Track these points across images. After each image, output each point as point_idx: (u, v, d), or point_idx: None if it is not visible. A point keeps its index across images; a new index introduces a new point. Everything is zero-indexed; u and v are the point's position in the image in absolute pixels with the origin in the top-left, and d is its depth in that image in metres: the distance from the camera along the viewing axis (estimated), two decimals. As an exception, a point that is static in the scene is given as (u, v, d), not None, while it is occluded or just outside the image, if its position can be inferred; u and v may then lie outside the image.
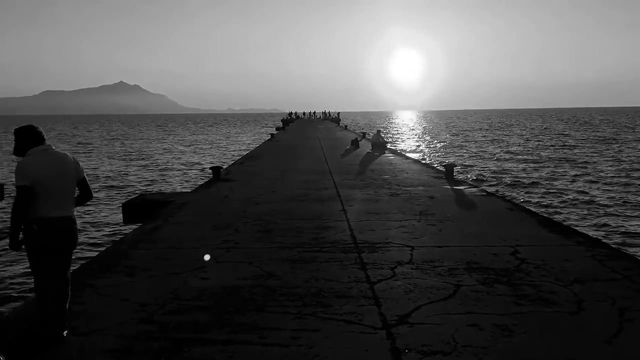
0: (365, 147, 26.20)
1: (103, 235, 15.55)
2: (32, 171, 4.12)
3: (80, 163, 4.54)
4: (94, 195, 4.91)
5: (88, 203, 4.58)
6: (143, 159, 43.32)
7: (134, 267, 6.27)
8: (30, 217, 4.14)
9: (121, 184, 28.08)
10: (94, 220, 17.62)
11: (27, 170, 4.11)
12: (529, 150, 43.85)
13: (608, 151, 41.50)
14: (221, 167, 15.97)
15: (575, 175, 27.69)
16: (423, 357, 3.91)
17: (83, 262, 7.58)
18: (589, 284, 5.45)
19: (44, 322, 4.24)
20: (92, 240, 14.87)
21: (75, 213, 4.46)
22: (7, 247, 4.28)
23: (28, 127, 4.33)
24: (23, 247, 4.22)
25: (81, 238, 13.43)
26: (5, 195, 3.49)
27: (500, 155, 39.94)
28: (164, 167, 37.11)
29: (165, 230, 8.39)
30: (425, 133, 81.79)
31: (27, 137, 4.30)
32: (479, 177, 27.58)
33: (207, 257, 6.70)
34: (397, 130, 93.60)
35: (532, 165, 33.18)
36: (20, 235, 4.19)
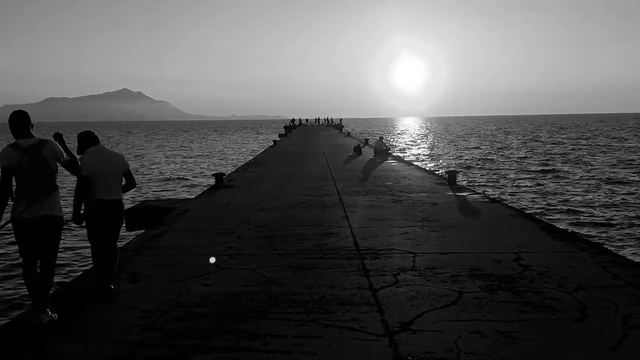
0: (368, 153, 26.20)
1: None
2: (89, 165, 5.37)
3: (125, 158, 5.78)
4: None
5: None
6: (146, 166, 43.43)
7: (137, 274, 6.28)
8: (90, 200, 5.40)
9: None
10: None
11: (85, 164, 5.37)
12: (532, 157, 43.81)
13: (612, 157, 41.43)
14: (224, 174, 15.99)
15: (579, 182, 27.64)
16: (426, 364, 3.90)
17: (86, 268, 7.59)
18: (593, 291, 5.43)
19: (98, 281, 5.43)
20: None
21: (123, 197, 5.66)
22: (73, 222, 5.42)
23: (86, 132, 5.65)
24: (84, 223, 5.45)
25: (84, 244, 13.47)
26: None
27: (503, 162, 39.91)
28: (167, 173, 37.20)
29: (168, 236, 8.40)
30: (428, 139, 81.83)
31: (85, 139, 5.59)
32: (482, 184, 27.55)
33: (212, 260, 6.74)
34: (400, 137, 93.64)
35: (535, 171, 33.14)
36: (82, 212, 5.41)
